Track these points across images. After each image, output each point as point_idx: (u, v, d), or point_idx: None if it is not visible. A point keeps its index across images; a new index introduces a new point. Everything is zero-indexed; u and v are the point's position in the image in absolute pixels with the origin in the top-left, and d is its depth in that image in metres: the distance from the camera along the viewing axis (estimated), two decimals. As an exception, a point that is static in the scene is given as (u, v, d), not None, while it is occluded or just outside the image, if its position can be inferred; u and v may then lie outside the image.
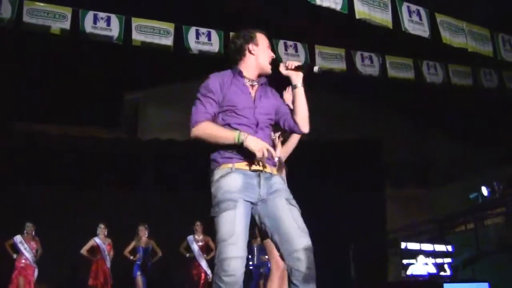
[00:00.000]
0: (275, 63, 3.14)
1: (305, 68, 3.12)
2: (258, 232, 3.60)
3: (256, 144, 2.84)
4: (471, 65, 9.26)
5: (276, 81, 3.23)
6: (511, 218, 9.24)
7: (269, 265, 5.54)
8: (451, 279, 8.02)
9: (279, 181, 3.00)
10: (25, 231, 9.29)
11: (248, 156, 2.87)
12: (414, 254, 8.01)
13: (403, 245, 8.06)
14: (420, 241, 8.62)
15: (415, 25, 7.11)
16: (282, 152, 4.62)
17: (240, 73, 3.05)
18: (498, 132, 10.54)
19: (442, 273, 8.14)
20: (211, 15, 8.52)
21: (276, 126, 3.29)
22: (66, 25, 7.12)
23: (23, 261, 9.17)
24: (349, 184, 11.39)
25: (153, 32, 7.55)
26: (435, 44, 7.56)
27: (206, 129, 2.91)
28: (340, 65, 8.58)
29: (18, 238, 9.22)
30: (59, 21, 7.09)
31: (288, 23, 9.25)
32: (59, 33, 7.16)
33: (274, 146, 4.37)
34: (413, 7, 7.15)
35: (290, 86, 3.15)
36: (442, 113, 11.80)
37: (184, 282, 9.98)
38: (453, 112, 11.29)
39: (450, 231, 10.89)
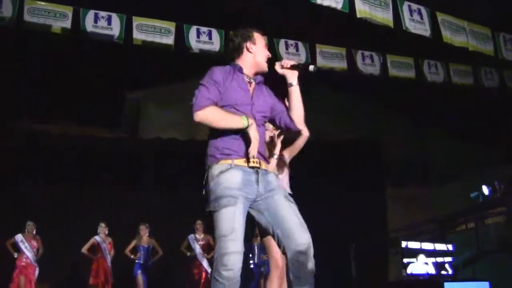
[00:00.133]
0: (271, 62, 3.20)
1: (301, 67, 3.16)
2: (259, 231, 3.63)
3: (255, 135, 2.93)
4: (472, 64, 9.25)
5: (272, 80, 3.28)
6: (512, 217, 9.25)
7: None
8: (452, 278, 8.02)
9: (275, 178, 3.08)
10: (26, 230, 9.30)
11: (246, 153, 2.93)
12: (414, 253, 8.01)
13: (403, 244, 8.06)
14: (421, 240, 8.62)
15: (416, 24, 7.11)
16: (287, 153, 4.66)
17: (240, 69, 3.12)
18: (499, 132, 10.53)
19: (442, 272, 8.14)
20: (211, 14, 8.51)
21: (272, 124, 3.37)
22: (67, 24, 7.13)
23: (24, 260, 9.18)
24: (349, 184, 11.37)
25: (154, 31, 7.55)
26: (436, 43, 7.56)
27: (211, 113, 2.92)
28: (341, 64, 8.58)
29: (19, 237, 9.23)
30: (60, 20, 7.09)
31: (288, 22, 9.24)
32: (60, 32, 7.17)
33: (274, 144, 4.39)
34: (414, 6, 7.14)
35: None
36: (442, 112, 11.79)
37: (184, 281, 9.99)
38: (453, 112, 11.28)
39: (451, 230, 10.88)
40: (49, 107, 11.14)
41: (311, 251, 2.91)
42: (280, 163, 4.60)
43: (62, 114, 11.46)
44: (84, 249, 9.52)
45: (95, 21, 7.28)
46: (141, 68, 10.48)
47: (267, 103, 3.17)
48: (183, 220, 9.92)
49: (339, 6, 6.41)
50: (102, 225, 9.70)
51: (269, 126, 3.17)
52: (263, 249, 8.31)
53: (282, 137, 4.40)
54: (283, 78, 3.18)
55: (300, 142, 4.52)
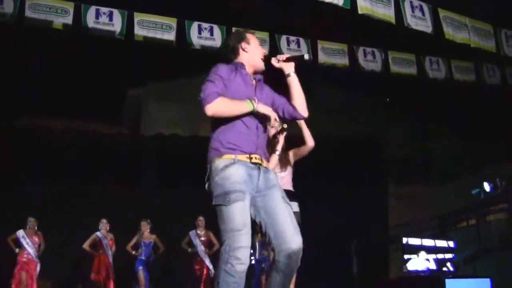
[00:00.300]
0: (267, 59, 3.30)
1: (296, 58, 3.28)
2: (258, 227, 3.67)
3: (266, 108, 3.09)
4: (473, 61, 9.24)
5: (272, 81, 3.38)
6: (513, 214, 9.25)
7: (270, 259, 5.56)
8: (453, 275, 8.03)
9: (274, 177, 3.17)
10: (27, 226, 9.31)
11: (248, 149, 3.03)
12: (415, 249, 8.02)
13: (404, 240, 8.07)
14: (422, 237, 8.62)
15: (418, 20, 7.10)
16: (292, 153, 4.69)
17: (242, 66, 3.21)
18: (501, 129, 10.51)
19: (444, 269, 8.15)
20: (213, 10, 8.50)
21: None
22: (68, 20, 7.12)
23: (25, 255, 9.19)
24: (350, 181, 11.36)
25: (156, 27, 7.55)
26: (437, 40, 7.55)
27: (221, 104, 2.98)
28: (342, 61, 8.58)
29: (20, 233, 9.24)
30: (61, 16, 7.09)
31: (290, 18, 9.22)
32: (61, 28, 7.17)
33: (277, 140, 4.41)
34: (416, 3, 7.14)
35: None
36: (444, 110, 11.77)
37: (186, 277, 10.00)
38: (455, 109, 11.26)
39: (452, 227, 10.89)
40: (50, 104, 11.14)
41: (300, 254, 2.99)
42: (284, 161, 4.63)
43: (63, 110, 11.45)
44: (85, 245, 9.54)
45: (97, 17, 7.28)
46: (142, 64, 10.47)
47: (268, 97, 3.27)
48: (185, 216, 9.93)
49: (340, 2, 6.41)
50: (104, 221, 9.71)
51: (274, 123, 3.23)
52: (264, 245, 8.32)
53: (285, 133, 4.42)
54: (281, 72, 3.28)
55: (305, 149, 4.65)
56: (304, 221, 4.56)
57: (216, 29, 7.91)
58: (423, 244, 8.15)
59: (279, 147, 4.42)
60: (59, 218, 9.96)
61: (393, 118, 13.01)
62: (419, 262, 7.94)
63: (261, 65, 3.28)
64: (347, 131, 12.34)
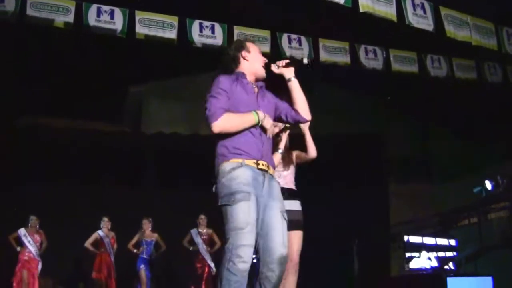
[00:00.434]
0: (268, 66, 3.37)
1: (295, 62, 3.37)
2: None
3: (268, 121, 3.16)
4: (475, 59, 9.23)
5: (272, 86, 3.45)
6: (515, 213, 9.25)
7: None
8: (455, 273, 8.02)
9: (278, 187, 3.23)
10: (29, 224, 9.31)
11: (255, 155, 3.08)
12: (416, 247, 8.01)
13: (405, 238, 8.07)
14: (423, 235, 8.62)
15: (419, 18, 7.09)
16: (296, 154, 4.70)
17: (243, 75, 3.26)
18: (502, 127, 10.49)
19: (445, 267, 8.14)
20: (214, 9, 8.49)
21: (280, 122, 3.57)
22: (70, 18, 7.11)
23: (27, 254, 9.20)
24: (351, 179, 11.36)
25: (157, 25, 7.54)
26: (439, 38, 7.54)
27: (227, 120, 3.04)
28: (344, 59, 8.56)
29: (22, 231, 9.25)
30: (63, 14, 7.08)
31: (291, 16, 9.21)
32: (62, 26, 7.15)
33: (280, 138, 4.42)
34: (417, 1, 7.12)
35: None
36: (445, 108, 11.76)
37: (187, 276, 10.00)
38: (456, 107, 11.24)
39: (454, 225, 10.88)
40: (50, 103, 11.14)
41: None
42: (287, 160, 4.65)
43: (63, 109, 11.45)
44: (87, 244, 9.55)
45: (98, 15, 7.27)
46: (143, 63, 10.47)
47: (271, 104, 3.36)
48: (186, 214, 9.94)
49: (341, 0, 6.40)
50: (105, 219, 9.72)
51: (278, 123, 3.30)
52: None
53: (288, 131, 4.44)
54: (281, 77, 3.37)
55: (307, 158, 4.69)
56: (305, 220, 4.56)
57: (218, 27, 7.90)
58: (425, 242, 8.14)
59: (282, 145, 4.44)
60: (61, 216, 9.97)
61: (394, 116, 13.00)
62: (421, 262, 7.93)
63: (262, 73, 3.34)
64: (348, 129, 12.33)
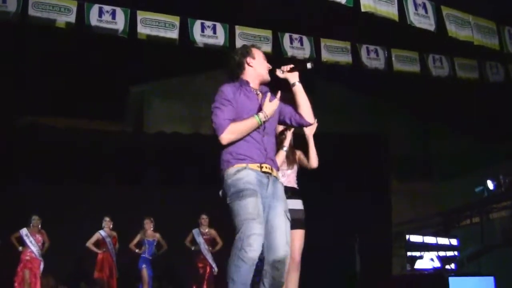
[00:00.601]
0: (273, 71, 3.45)
1: (299, 67, 3.43)
2: None
3: (268, 108, 3.22)
4: (477, 59, 9.22)
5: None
6: (517, 212, 9.24)
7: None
8: (456, 273, 8.02)
9: (282, 188, 3.31)
10: (31, 224, 9.31)
11: (258, 159, 3.18)
12: (418, 247, 8.02)
13: (407, 237, 8.07)
14: (425, 235, 8.62)
15: (421, 18, 7.09)
16: (299, 154, 4.71)
17: (247, 83, 3.34)
18: (504, 126, 10.49)
19: (447, 267, 8.14)
20: (216, 8, 8.50)
21: (284, 125, 3.68)
22: (71, 18, 7.11)
23: (29, 254, 9.19)
24: (353, 178, 11.36)
25: (159, 25, 7.54)
26: (440, 37, 7.54)
27: (233, 131, 3.14)
28: (345, 58, 8.56)
29: (24, 231, 9.24)
30: (65, 14, 7.08)
31: (293, 16, 9.22)
32: (64, 26, 7.15)
33: (284, 136, 4.45)
34: (419, 0, 7.12)
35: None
36: (446, 108, 11.76)
37: (189, 275, 10.00)
38: (458, 107, 11.24)
39: (456, 224, 10.88)
40: (53, 101, 11.16)
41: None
42: (291, 158, 4.67)
43: (65, 108, 11.48)
44: (89, 243, 9.55)
45: (100, 15, 7.27)
46: (145, 62, 10.48)
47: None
48: (187, 214, 9.94)
49: (343, 0, 6.40)
50: (107, 219, 9.71)
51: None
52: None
53: (292, 129, 4.46)
54: (286, 82, 3.43)
55: (308, 166, 4.71)
56: (307, 219, 4.57)
57: (219, 27, 7.90)
58: (426, 241, 8.14)
59: (287, 143, 4.48)
60: (62, 216, 9.96)
61: (395, 115, 13.01)
62: (424, 263, 7.93)
63: (266, 77, 3.41)
64: (349, 128, 12.34)
